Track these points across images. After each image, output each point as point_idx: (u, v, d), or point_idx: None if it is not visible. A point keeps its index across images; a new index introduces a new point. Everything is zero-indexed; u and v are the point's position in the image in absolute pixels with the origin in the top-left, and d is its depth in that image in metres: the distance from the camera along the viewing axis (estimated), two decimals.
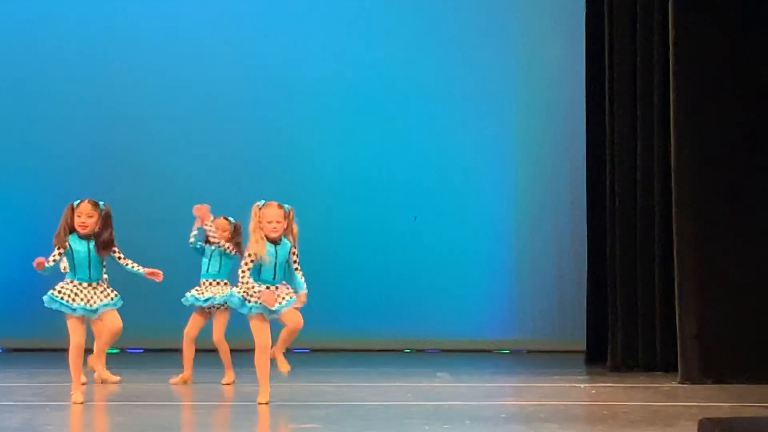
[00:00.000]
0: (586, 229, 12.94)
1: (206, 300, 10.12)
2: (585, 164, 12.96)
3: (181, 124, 14.24)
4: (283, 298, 8.57)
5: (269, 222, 8.53)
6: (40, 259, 8.49)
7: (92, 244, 8.67)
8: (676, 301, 10.46)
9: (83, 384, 9.73)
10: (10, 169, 14.12)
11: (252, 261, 8.51)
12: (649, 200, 11.38)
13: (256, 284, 8.50)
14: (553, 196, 14.36)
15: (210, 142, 14.24)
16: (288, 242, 8.62)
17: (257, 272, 8.55)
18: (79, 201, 8.73)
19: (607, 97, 11.95)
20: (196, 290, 10.18)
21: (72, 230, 8.67)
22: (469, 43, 14.46)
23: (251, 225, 8.60)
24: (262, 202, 8.64)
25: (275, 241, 8.57)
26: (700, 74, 10.45)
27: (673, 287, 10.56)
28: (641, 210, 11.47)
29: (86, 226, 8.64)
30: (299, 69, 14.38)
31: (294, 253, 8.65)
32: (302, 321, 8.63)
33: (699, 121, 10.44)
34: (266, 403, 8.52)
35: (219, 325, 10.16)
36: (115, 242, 8.78)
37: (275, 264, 8.55)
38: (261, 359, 8.58)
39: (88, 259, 8.65)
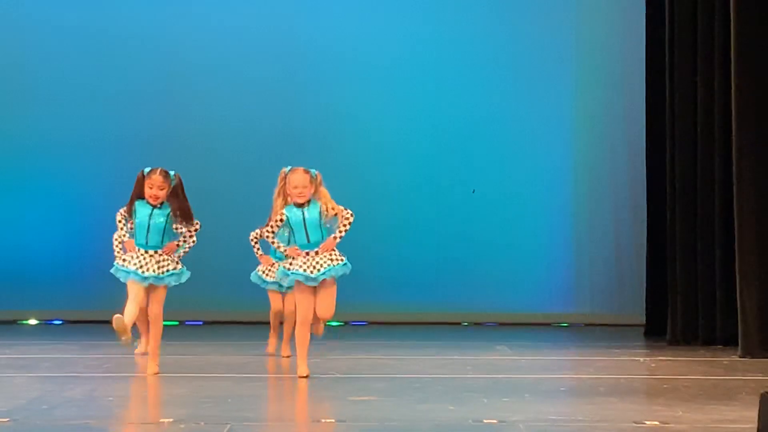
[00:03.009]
0: (645, 201, 12.86)
1: (272, 283, 10.09)
2: (644, 137, 12.86)
3: (235, 101, 14.23)
4: (322, 266, 8.45)
5: (295, 187, 8.44)
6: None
7: (157, 211, 8.61)
8: (737, 275, 10.36)
9: (144, 354, 9.79)
10: (72, 149, 14.16)
11: (277, 223, 8.46)
12: (710, 173, 11.26)
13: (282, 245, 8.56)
14: (612, 168, 14.26)
15: (266, 118, 14.23)
16: (317, 203, 8.48)
17: (288, 240, 8.56)
18: (149, 169, 8.59)
19: (667, 69, 11.82)
20: (263, 270, 10.18)
21: (140, 197, 8.59)
22: (526, 14, 14.36)
23: (276, 190, 8.53)
24: (289, 167, 8.55)
25: (302, 205, 8.49)
26: (764, 42, 10.30)
27: (734, 260, 10.46)
28: (701, 183, 11.36)
29: (158, 198, 8.56)
30: (352, 43, 14.33)
31: (326, 205, 8.45)
32: (332, 311, 8.51)
33: (761, 94, 10.30)
34: (306, 377, 8.49)
35: (290, 298, 10.20)
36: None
37: (305, 227, 8.48)
38: (300, 332, 8.54)
39: (147, 225, 8.59)
